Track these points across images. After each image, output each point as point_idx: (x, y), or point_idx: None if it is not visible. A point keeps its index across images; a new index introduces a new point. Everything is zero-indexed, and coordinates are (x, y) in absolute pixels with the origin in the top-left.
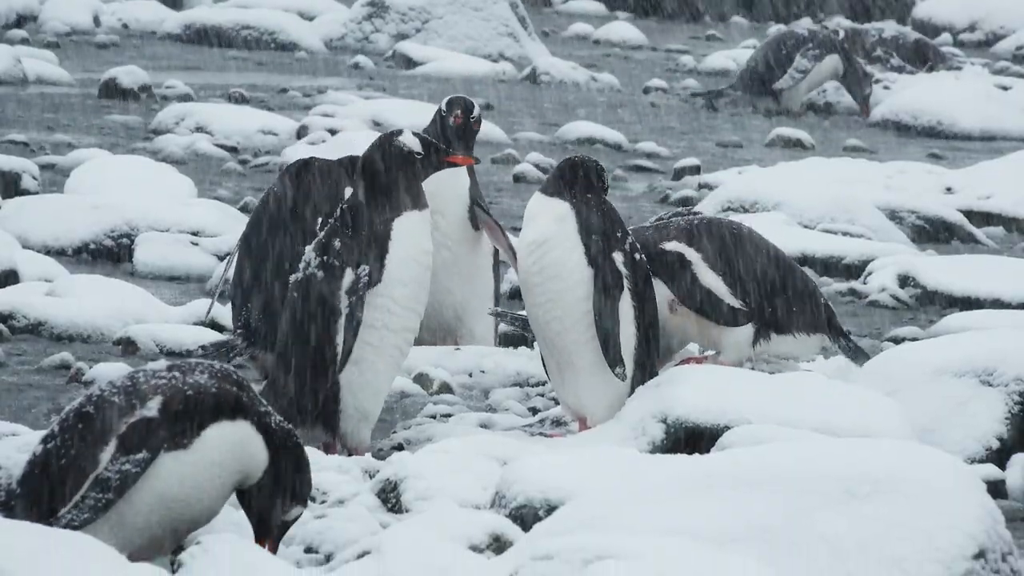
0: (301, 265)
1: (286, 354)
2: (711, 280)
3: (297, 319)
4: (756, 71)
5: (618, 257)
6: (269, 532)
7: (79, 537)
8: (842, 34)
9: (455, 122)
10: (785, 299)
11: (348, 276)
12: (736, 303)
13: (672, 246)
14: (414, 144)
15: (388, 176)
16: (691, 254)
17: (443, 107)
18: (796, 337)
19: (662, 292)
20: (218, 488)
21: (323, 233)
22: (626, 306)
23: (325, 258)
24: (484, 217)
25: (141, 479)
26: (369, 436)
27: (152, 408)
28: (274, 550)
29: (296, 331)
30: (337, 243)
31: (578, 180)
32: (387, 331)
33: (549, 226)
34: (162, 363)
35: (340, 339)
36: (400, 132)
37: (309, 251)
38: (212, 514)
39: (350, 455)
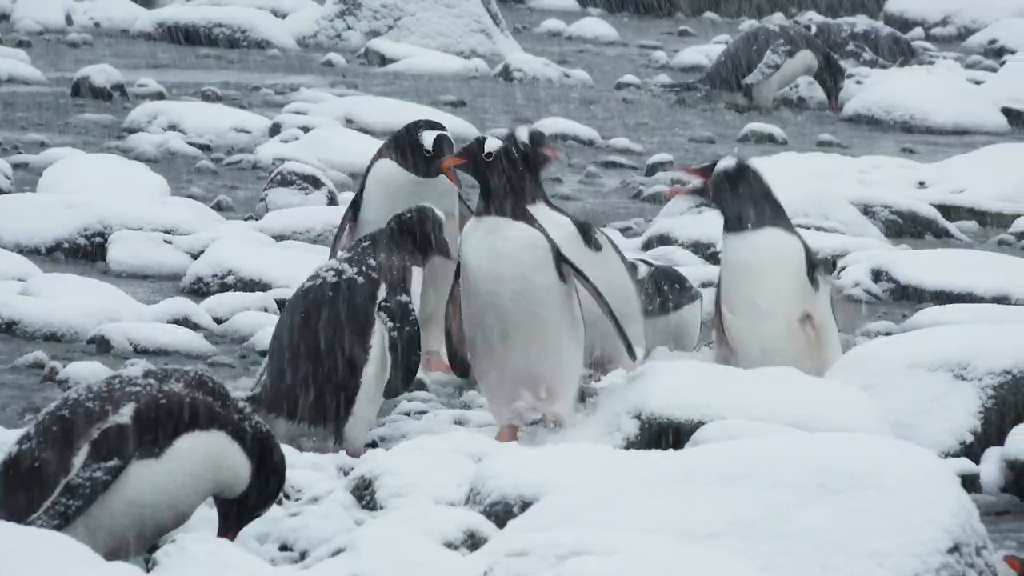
0: (327, 273)
1: (301, 355)
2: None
3: (324, 321)
4: (726, 67)
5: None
6: (241, 523)
7: (54, 536)
8: (814, 29)
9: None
10: None
11: (383, 288)
12: None
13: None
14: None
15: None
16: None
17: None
18: None
19: (800, 302)
20: (190, 496)
21: (353, 249)
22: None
23: (363, 267)
24: None
25: (112, 486)
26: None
27: (125, 415)
28: (233, 537)
29: (322, 334)
30: (372, 261)
31: (519, 190)
32: None
33: (525, 255)
34: (140, 368)
35: (375, 346)
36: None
37: (335, 263)
38: (185, 519)
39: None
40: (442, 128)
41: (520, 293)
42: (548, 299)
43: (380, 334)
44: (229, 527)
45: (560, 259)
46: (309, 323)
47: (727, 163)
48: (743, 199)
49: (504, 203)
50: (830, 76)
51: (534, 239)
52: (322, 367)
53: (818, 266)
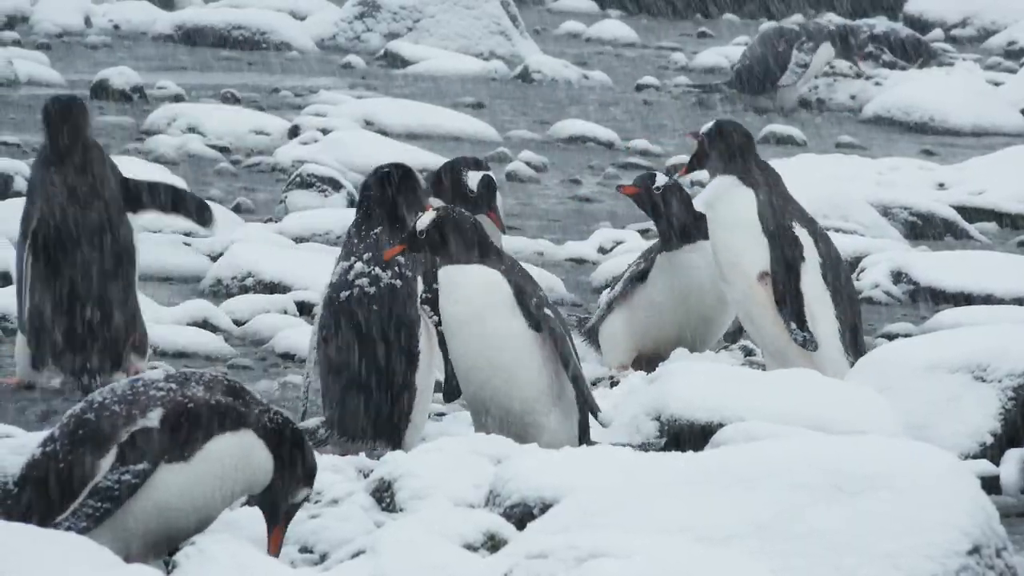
0: (361, 281)
1: (361, 373)
2: (814, 290)
3: (376, 335)
4: (753, 70)
5: (548, 311)
6: (279, 519)
7: (71, 537)
8: (833, 27)
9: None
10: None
11: (419, 283)
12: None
13: (801, 232)
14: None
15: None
16: (811, 252)
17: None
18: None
19: (756, 258)
20: (219, 500)
21: (365, 244)
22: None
23: (395, 268)
24: None
25: (140, 489)
26: None
27: (153, 419)
28: (281, 534)
29: (376, 348)
30: (401, 258)
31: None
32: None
33: (479, 297)
34: (159, 372)
35: (423, 345)
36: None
37: (362, 267)
38: (211, 522)
39: None
40: (487, 168)
41: (476, 336)
42: (507, 344)
43: (427, 332)
44: (272, 530)
45: (527, 304)
46: (360, 339)
47: (710, 125)
48: (720, 158)
49: (466, 251)
50: (847, 48)
51: (493, 282)
52: (382, 381)
53: (781, 218)
